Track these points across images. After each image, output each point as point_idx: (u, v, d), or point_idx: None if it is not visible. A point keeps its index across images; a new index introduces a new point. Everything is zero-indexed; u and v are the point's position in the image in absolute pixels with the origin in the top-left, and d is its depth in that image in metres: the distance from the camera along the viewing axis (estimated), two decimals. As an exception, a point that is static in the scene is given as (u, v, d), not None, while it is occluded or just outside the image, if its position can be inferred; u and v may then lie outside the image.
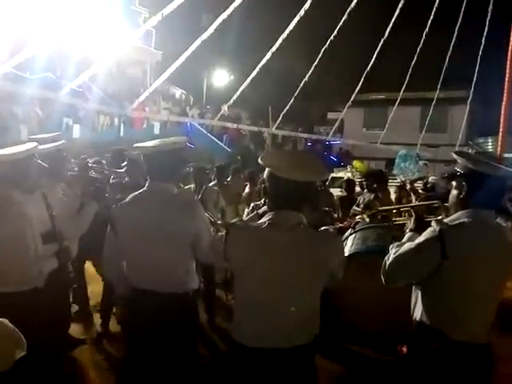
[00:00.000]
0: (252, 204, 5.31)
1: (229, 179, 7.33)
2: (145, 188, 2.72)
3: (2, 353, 1.40)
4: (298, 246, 2.05)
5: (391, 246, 2.35)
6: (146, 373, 2.72)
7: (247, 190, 7.54)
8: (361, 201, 6.83)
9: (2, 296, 2.61)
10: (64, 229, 3.03)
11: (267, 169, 2.10)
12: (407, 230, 2.49)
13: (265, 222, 2.08)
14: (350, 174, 15.58)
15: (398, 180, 11.59)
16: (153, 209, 2.61)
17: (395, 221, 3.04)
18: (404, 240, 2.40)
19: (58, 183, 3.51)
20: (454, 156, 2.27)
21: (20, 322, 2.57)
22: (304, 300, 2.09)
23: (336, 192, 8.53)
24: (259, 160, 2.14)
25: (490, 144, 22.86)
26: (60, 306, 3.15)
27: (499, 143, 11.40)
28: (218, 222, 3.58)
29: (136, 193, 2.74)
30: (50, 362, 3.10)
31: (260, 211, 2.32)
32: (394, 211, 3.18)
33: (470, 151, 21.11)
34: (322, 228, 2.13)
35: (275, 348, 2.06)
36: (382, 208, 3.44)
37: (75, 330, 4.42)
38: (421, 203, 3.32)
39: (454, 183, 2.26)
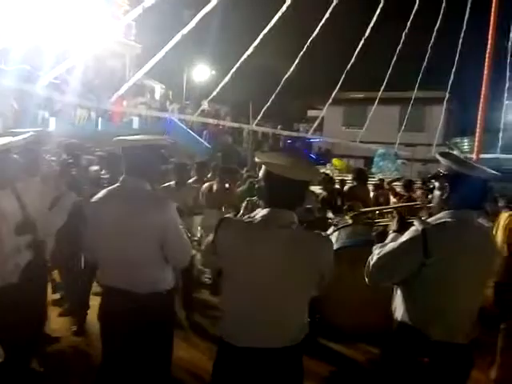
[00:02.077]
0: (248, 198, 5.30)
1: (209, 176, 7.28)
2: (118, 184, 2.67)
3: None
4: (290, 244, 2.03)
5: (374, 247, 2.35)
6: (119, 371, 2.69)
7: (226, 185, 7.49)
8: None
9: None
10: (40, 223, 2.95)
11: (263, 167, 2.09)
12: (390, 231, 2.49)
13: (257, 219, 2.06)
14: (329, 172, 15.63)
15: (376, 178, 11.69)
16: (122, 205, 2.56)
17: (378, 222, 3.04)
18: (387, 241, 2.40)
19: (32, 178, 3.42)
20: (438, 157, 2.28)
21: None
22: (293, 299, 2.08)
23: (315, 190, 8.54)
24: (256, 158, 2.15)
25: (466, 144, 23.26)
26: (35, 302, 3.07)
27: (476, 144, 11.62)
28: (195, 238, 3.54)
29: (108, 189, 2.70)
30: (23, 359, 3.02)
31: (257, 212, 2.29)
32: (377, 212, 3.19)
33: (446, 150, 21.48)
34: (316, 231, 2.13)
35: (264, 347, 2.04)
36: (365, 209, 3.44)
37: (51, 327, 4.33)
38: (403, 204, 3.34)
39: (436, 184, 2.27)
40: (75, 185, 3.29)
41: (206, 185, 6.11)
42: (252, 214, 2.13)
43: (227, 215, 2.18)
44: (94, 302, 4.34)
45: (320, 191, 8.12)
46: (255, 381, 2.06)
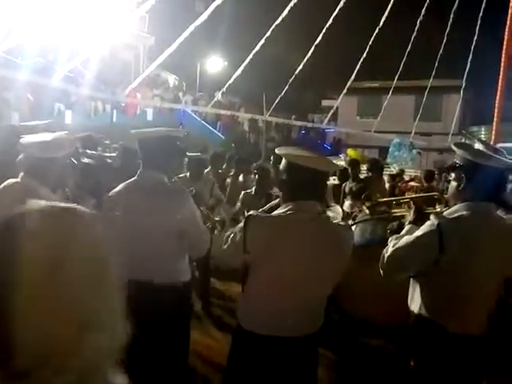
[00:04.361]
0: (243, 192, 5.31)
1: (223, 167, 7.29)
2: (136, 177, 2.71)
3: None
4: (319, 235, 2.07)
5: (390, 239, 2.35)
6: (135, 361, 2.73)
7: (241, 178, 7.49)
8: (346, 190, 6.84)
9: None
10: None
11: (285, 160, 2.12)
12: (406, 223, 2.49)
13: (286, 212, 2.08)
14: (343, 163, 15.48)
15: (395, 171, 11.59)
16: (140, 199, 2.61)
17: (394, 212, 3.04)
18: (403, 233, 2.39)
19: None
20: (454, 148, 2.26)
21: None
22: (319, 289, 2.12)
23: (329, 180, 8.46)
24: (277, 151, 2.19)
25: (482, 133, 22.92)
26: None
27: (493, 132, 11.42)
28: (216, 219, 3.56)
29: (126, 182, 2.73)
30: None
31: (272, 204, 2.31)
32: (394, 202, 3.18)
33: (463, 140, 21.19)
34: (336, 220, 2.17)
35: (286, 336, 2.09)
36: (383, 199, 3.44)
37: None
38: (420, 195, 3.32)
39: (453, 175, 2.26)
40: (96, 190, 3.28)
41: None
42: (279, 210, 2.14)
43: (252, 213, 2.15)
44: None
45: (334, 182, 8.07)
46: (273, 368, 2.10)
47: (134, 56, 22.35)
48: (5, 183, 2.67)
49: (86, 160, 4.43)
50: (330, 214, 3.10)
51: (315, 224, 2.07)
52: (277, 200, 2.28)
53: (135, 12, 14.55)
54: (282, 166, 2.15)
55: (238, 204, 5.03)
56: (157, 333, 2.64)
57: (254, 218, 2.09)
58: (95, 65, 13.49)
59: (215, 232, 3.46)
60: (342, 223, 2.19)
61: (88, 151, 4.81)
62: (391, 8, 15.11)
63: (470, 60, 18.10)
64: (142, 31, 21.63)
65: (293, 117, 22.40)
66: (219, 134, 21.03)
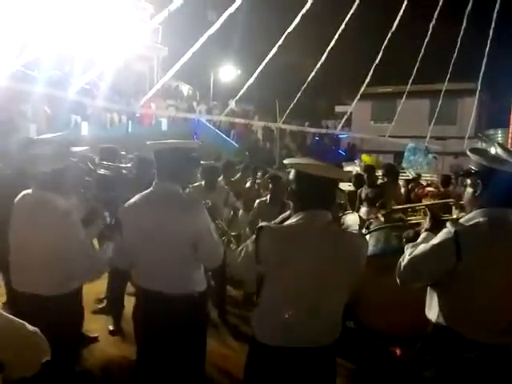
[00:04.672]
0: (257, 200, 5.37)
1: (238, 176, 7.33)
2: (151, 188, 2.73)
3: (34, 360, 1.52)
4: (330, 245, 2.07)
5: (406, 247, 2.32)
6: (153, 371, 2.74)
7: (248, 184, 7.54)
8: (362, 196, 6.81)
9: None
10: None
11: (294, 170, 2.12)
12: (422, 230, 2.46)
13: (296, 222, 2.09)
14: (358, 168, 15.40)
15: (411, 176, 11.50)
16: (155, 210, 2.63)
17: (410, 219, 3.02)
18: (419, 240, 2.37)
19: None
20: (468, 153, 2.23)
21: (50, 321, 2.57)
22: (332, 299, 2.10)
23: (344, 186, 8.44)
24: (285, 162, 2.20)
25: (499, 136, 22.65)
26: (76, 299, 3.14)
27: (510, 135, 11.30)
28: (232, 234, 3.57)
29: (141, 193, 2.76)
30: (66, 359, 3.11)
31: (284, 215, 2.32)
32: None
33: (479, 143, 20.93)
34: (350, 230, 2.16)
35: (301, 347, 2.08)
36: (398, 207, 3.41)
37: (88, 327, 4.44)
38: (436, 202, 3.29)
39: (468, 181, 2.23)
40: (112, 202, 3.30)
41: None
42: (290, 220, 2.14)
43: (263, 224, 2.16)
44: (127, 302, 4.44)
45: (349, 188, 8.03)
46: (290, 380, 2.09)
47: (148, 67, 22.64)
48: (19, 195, 2.73)
49: (102, 171, 4.48)
50: (346, 221, 3.10)
51: (326, 233, 2.07)
52: (288, 212, 2.28)
53: (149, 24, 14.73)
54: (290, 176, 2.16)
55: (251, 217, 5.10)
56: (173, 342, 2.65)
57: (265, 228, 2.10)
58: (110, 76, 13.67)
59: (231, 246, 3.48)
60: (354, 231, 2.18)
61: (104, 162, 4.88)
62: (404, 12, 15.06)
63: (484, 62, 17.92)
64: (155, 42, 21.91)
65: (306, 123, 22.39)
66: (233, 143, 21.12)
